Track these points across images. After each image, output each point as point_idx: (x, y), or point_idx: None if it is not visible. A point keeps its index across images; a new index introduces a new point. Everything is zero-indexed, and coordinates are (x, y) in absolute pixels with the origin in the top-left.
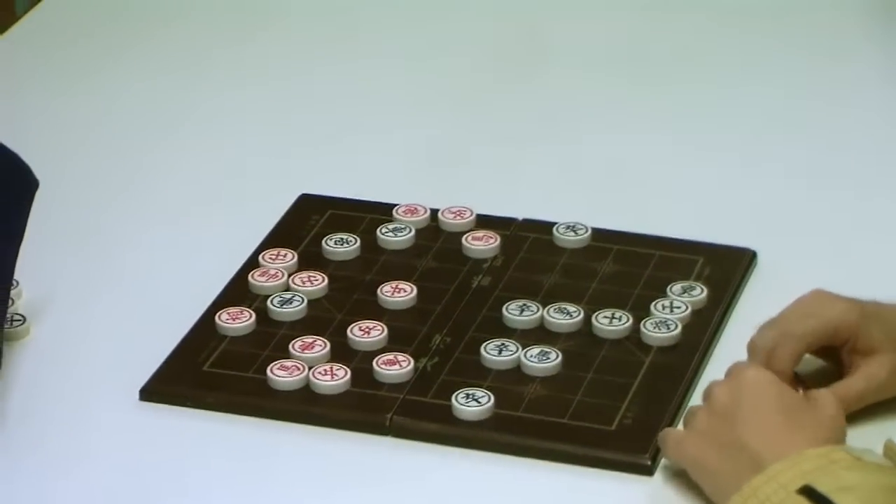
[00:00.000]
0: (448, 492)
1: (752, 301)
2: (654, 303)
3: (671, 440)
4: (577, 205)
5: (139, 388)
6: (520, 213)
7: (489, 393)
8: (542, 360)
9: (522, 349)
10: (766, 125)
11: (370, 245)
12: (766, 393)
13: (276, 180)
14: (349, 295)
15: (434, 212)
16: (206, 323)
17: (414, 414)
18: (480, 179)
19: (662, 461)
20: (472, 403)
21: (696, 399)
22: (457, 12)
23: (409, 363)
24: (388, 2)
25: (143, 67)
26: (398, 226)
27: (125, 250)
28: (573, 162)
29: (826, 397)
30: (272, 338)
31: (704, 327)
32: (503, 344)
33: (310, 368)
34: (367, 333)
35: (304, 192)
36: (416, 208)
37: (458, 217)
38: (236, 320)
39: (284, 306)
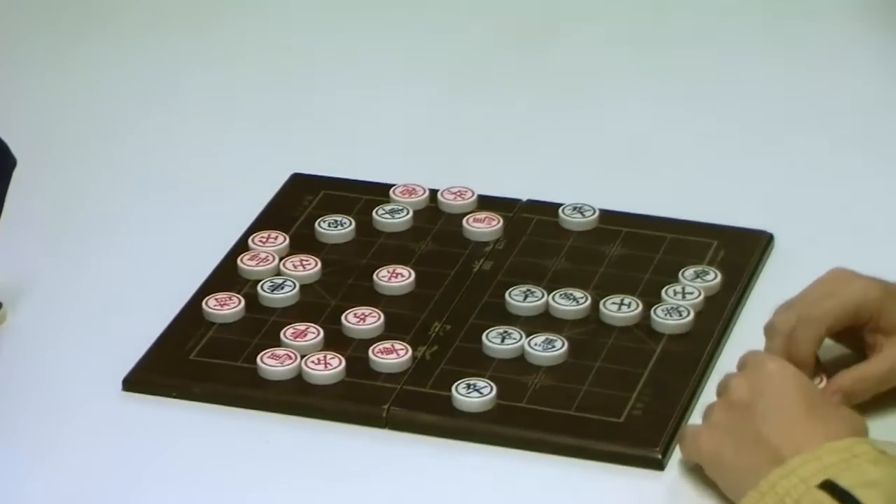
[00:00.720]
0: (448, 487)
1: (768, 286)
2: (665, 288)
3: (686, 436)
4: (584, 185)
5: (122, 378)
6: (524, 194)
7: (491, 383)
8: (546, 349)
9: (526, 337)
10: (786, 103)
11: (366, 227)
12: (787, 386)
13: (267, 159)
14: (344, 280)
15: (433, 192)
16: (192, 309)
17: (412, 405)
18: (482, 158)
19: (674, 455)
20: (473, 394)
21: (709, 389)
22: None
23: (407, 352)
24: None
25: (126, 41)
26: (395, 207)
27: (108, 233)
28: (580, 140)
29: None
30: (262, 325)
31: (718, 314)
32: (506, 331)
33: (302, 357)
34: (362, 320)
35: (297, 171)
36: (414, 188)
37: (459, 198)
38: (224, 307)
39: (275, 292)
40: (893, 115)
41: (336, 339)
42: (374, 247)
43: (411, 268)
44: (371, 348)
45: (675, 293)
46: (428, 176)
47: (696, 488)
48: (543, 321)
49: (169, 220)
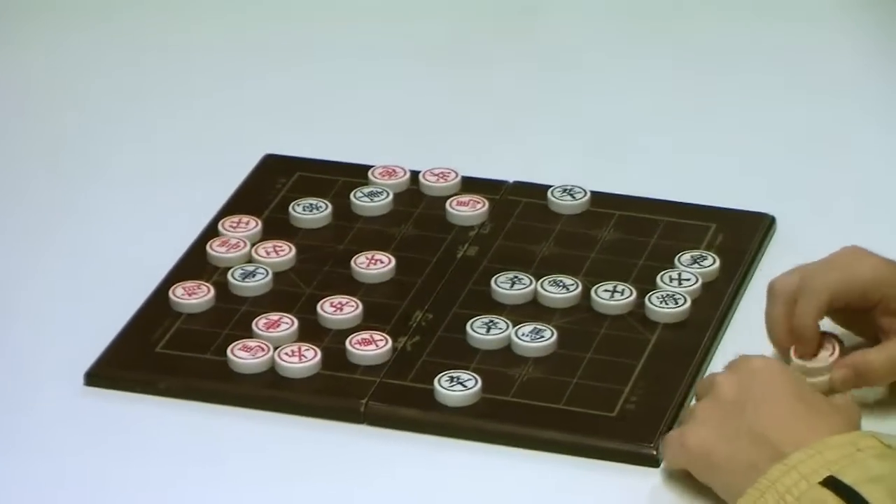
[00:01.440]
0: (430, 485)
1: (770, 272)
2: (660, 274)
3: (668, 439)
4: (575, 166)
5: (84, 373)
6: (510, 175)
7: (476, 376)
8: (535, 339)
9: (513, 327)
10: (787, 78)
11: (343, 211)
12: (775, 381)
13: (238, 139)
14: (319, 267)
15: (414, 174)
16: (158, 299)
17: (392, 399)
18: (466, 137)
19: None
20: (456, 387)
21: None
22: None
23: (387, 343)
24: None
25: (88, 20)
26: (374, 189)
27: (68, 219)
28: (570, 118)
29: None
30: (233, 315)
31: (717, 302)
32: (492, 321)
33: (275, 349)
34: (339, 310)
35: (269, 151)
36: (394, 170)
37: (442, 179)
38: (193, 296)
39: (247, 280)
40: None
41: (311, 330)
42: (351, 232)
43: (391, 254)
44: (348, 339)
45: (671, 279)
46: (409, 156)
47: (693, 486)
48: (531, 310)
49: (133, 205)
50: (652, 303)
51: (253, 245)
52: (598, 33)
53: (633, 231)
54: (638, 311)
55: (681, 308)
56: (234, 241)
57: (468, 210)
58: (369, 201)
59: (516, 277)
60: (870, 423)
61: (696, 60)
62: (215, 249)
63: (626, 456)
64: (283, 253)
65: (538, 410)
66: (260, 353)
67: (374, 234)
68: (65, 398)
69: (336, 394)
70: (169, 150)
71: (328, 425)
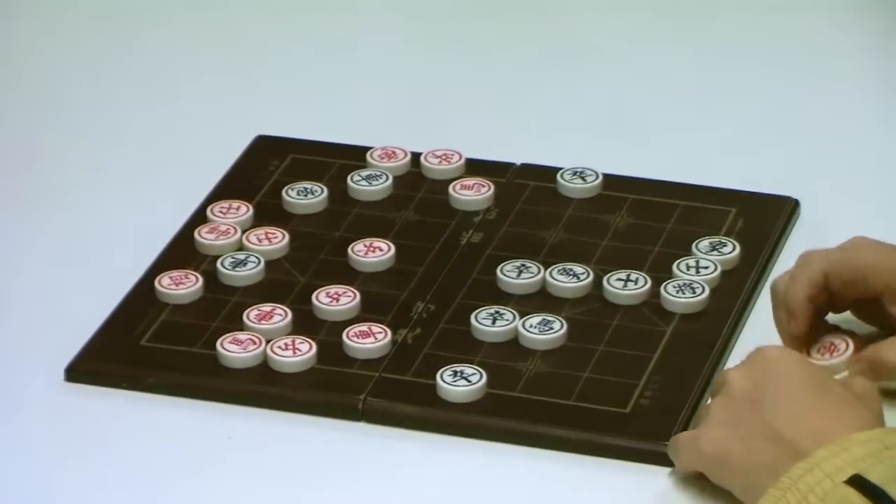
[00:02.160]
0: (432, 486)
1: (793, 259)
2: (676, 262)
3: (681, 442)
4: (586, 147)
5: (64, 367)
6: (517, 157)
7: (481, 370)
8: (543, 331)
9: (520, 318)
10: (809, 55)
11: (339, 195)
12: (791, 371)
13: (227, 119)
14: (314, 255)
15: (415, 155)
16: (143, 289)
17: (391, 395)
18: (470, 117)
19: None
20: (460, 382)
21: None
22: None
23: (386, 335)
24: None
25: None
26: (373, 172)
27: (48, 204)
28: (581, 96)
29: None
30: (223, 306)
31: (737, 291)
32: (497, 312)
33: (268, 342)
34: (335, 300)
35: (261, 132)
36: (393, 152)
37: (445, 162)
38: (180, 285)
39: (237, 269)
40: None
41: (306, 322)
42: (348, 217)
43: (391, 241)
44: (345, 332)
45: (688, 267)
46: (409, 137)
47: (710, 485)
48: (539, 300)
49: (117, 190)
50: (668, 292)
51: (244, 232)
52: (612, 6)
53: (648, 216)
54: (653, 301)
55: (698, 298)
56: (223, 228)
57: (473, 194)
58: (367, 185)
59: (524, 265)
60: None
61: (715, 36)
62: (204, 236)
63: (640, 455)
64: (275, 240)
65: (547, 407)
66: (251, 347)
67: (372, 220)
68: (44, 394)
69: (332, 389)
70: (155, 131)
71: (324, 423)
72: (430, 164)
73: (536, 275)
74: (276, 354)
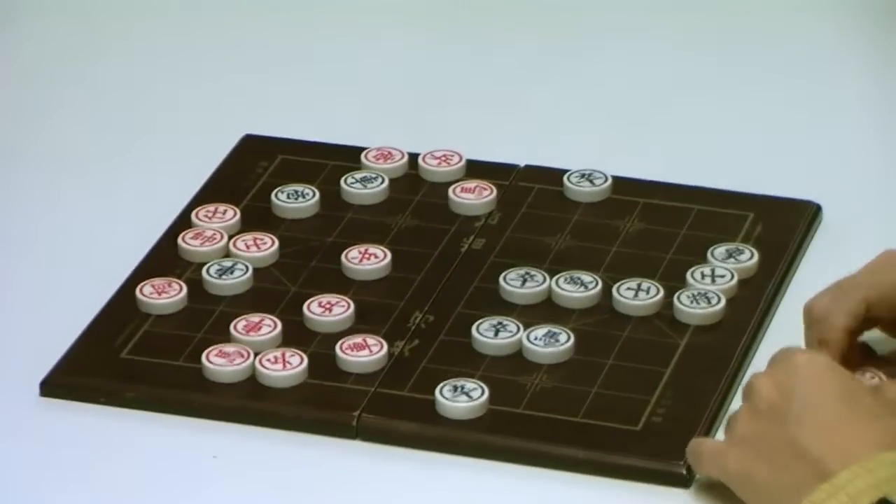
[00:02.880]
0: None
1: (815, 268)
2: (691, 270)
3: (707, 454)
4: (594, 147)
5: (40, 381)
6: (521, 159)
7: (482, 385)
8: (549, 344)
9: (525, 329)
10: (832, 52)
11: (332, 199)
12: (822, 380)
13: (213, 118)
14: (305, 262)
15: (413, 157)
16: (124, 298)
17: (388, 411)
18: (472, 115)
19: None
20: (460, 398)
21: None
22: None
23: (382, 348)
24: None
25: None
26: (368, 174)
27: (22, 207)
28: (588, 94)
29: (889, 384)
30: (208, 316)
31: (755, 301)
32: (500, 323)
33: (256, 355)
34: (328, 310)
35: (249, 131)
36: (390, 152)
37: (444, 163)
38: (162, 294)
39: (223, 276)
40: None
41: (297, 334)
42: (342, 222)
43: (387, 247)
44: (339, 344)
45: (703, 276)
46: (407, 137)
47: None
48: (545, 310)
49: (95, 193)
50: (681, 302)
51: (230, 237)
52: (618, 5)
53: (660, 221)
54: (665, 312)
55: (714, 308)
56: (209, 233)
57: (474, 198)
58: (362, 188)
59: (528, 274)
60: None
61: (733, 32)
62: (188, 242)
63: (653, 475)
64: (264, 246)
65: (553, 424)
66: (239, 360)
67: (367, 224)
68: (17, 410)
69: (325, 406)
70: (135, 130)
71: (316, 441)
72: (429, 166)
73: (542, 283)
74: (265, 368)
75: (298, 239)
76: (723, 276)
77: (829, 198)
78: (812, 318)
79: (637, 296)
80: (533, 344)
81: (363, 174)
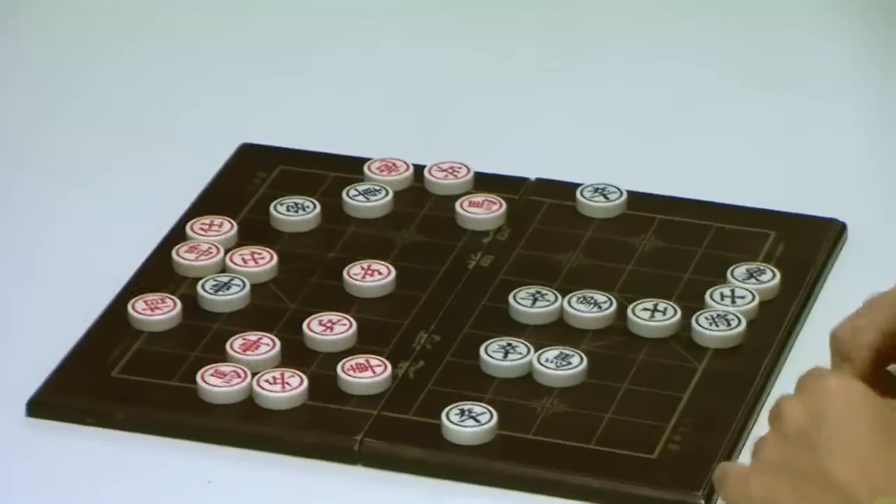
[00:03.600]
0: None
1: (839, 288)
2: (709, 291)
3: (731, 478)
4: (608, 160)
5: (26, 401)
6: (531, 172)
7: (491, 409)
8: (560, 366)
9: (535, 351)
10: (855, 65)
11: (334, 212)
12: (853, 406)
13: (210, 126)
14: (306, 278)
15: (418, 168)
16: (116, 314)
17: (392, 436)
18: (480, 126)
19: (720, 502)
20: (468, 422)
21: (764, 418)
22: None
23: (386, 369)
24: None
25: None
26: (371, 187)
27: (9, 219)
28: (603, 104)
29: None
30: (204, 334)
31: (777, 323)
32: (510, 344)
33: (253, 375)
34: (329, 329)
35: (246, 141)
36: (394, 164)
37: (451, 175)
38: (156, 310)
39: (220, 292)
40: None
41: (296, 353)
42: (343, 237)
43: (391, 263)
44: (340, 364)
45: (723, 297)
46: (412, 148)
47: None
48: (556, 331)
49: (87, 204)
50: (700, 324)
51: (227, 251)
52: (637, 5)
53: (678, 239)
54: (683, 335)
55: (734, 331)
56: (204, 247)
57: (482, 212)
58: (365, 201)
59: (539, 293)
60: None
61: (755, 42)
62: (183, 256)
63: None
64: (262, 261)
65: (564, 451)
66: (235, 380)
67: (370, 239)
68: (2, 431)
69: (325, 429)
70: (128, 139)
71: (316, 466)
72: (435, 178)
73: (553, 303)
74: (263, 389)
75: (298, 254)
76: (743, 298)
77: (853, 216)
78: (839, 343)
79: (653, 317)
80: (544, 366)
81: (366, 186)
